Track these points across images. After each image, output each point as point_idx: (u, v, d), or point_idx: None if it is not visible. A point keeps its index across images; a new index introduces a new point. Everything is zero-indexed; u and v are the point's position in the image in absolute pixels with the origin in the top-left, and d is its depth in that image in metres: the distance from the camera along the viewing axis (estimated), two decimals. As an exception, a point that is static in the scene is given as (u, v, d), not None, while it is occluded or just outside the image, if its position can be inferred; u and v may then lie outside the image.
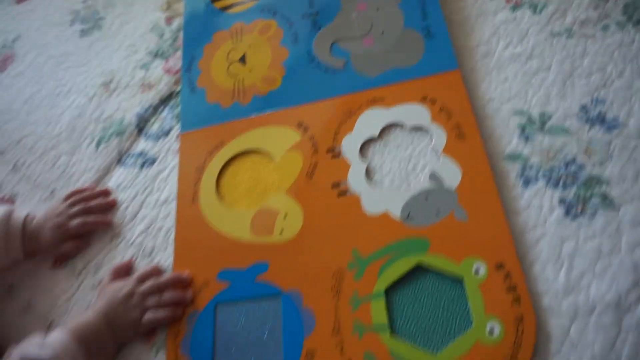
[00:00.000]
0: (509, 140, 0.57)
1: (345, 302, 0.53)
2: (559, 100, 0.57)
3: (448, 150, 0.58)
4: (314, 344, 0.52)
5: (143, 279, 0.60)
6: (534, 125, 0.57)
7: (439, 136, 0.60)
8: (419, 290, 0.52)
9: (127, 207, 0.69)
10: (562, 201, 0.51)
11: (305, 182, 0.62)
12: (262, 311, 0.56)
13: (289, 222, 0.60)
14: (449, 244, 0.52)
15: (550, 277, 0.48)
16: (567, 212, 0.51)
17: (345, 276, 0.54)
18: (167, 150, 0.73)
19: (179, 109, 0.77)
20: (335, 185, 0.61)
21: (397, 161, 0.61)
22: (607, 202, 0.50)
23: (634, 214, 0.49)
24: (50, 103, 0.87)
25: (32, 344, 0.51)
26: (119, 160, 0.75)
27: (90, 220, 0.67)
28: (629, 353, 0.43)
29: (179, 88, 0.80)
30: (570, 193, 0.52)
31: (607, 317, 0.45)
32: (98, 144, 0.78)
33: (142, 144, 0.76)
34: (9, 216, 0.65)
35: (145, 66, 0.85)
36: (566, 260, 0.48)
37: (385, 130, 0.63)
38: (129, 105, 0.81)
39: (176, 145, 0.72)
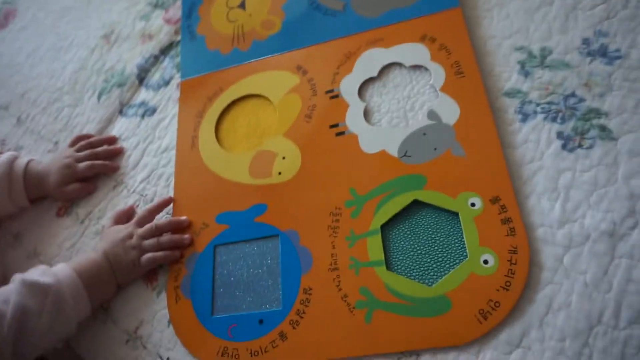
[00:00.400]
0: (509, 77, 0.56)
1: (342, 239, 0.53)
2: (560, 35, 0.56)
3: (447, 88, 0.58)
4: (311, 280, 0.53)
5: (142, 222, 0.61)
6: (535, 60, 0.56)
7: (438, 74, 0.59)
8: (415, 226, 0.53)
9: (129, 156, 0.70)
10: (559, 134, 0.51)
11: (304, 124, 0.62)
12: (261, 251, 0.57)
13: (287, 163, 0.61)
14: (446, 180, 0.52)
15: (546, 208, 0.48)
16: (564, 145, 0.50)
17: (342, 214, 0.55)
18: (167, 99, 0.74)
19: (179, 58, 0.77)
20: (334, 125, 0.61)
21: (396, 100, 0.60)
22: (605, 133, 0.49)
23: (632, 144, 0.48)
24: (53, 57, 0.88)
25: (36, 270, 0.53)
26: (121, 110, 0.76)
27: (98, 164, 0.68)
28: (621, 279, 0.43)
29: (179, 38, 0.79)
30: (569, 126, 0.51)
31: (601, 246, 0.45)
32: (100, 96, 0.79)
33: (143, 94, 0.76)
34: (12, 161, 0.66)
35: (145, 17, 0.84)
36: (562, 192, 0.48)
37: (384, 70, 0.63)
38: (129, 56, 0.81)
39: (177, 94, 0.73)
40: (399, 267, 0.51)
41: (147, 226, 0.61)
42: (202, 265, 0.58)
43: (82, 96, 0.80)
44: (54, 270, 0.54)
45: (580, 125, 0.51)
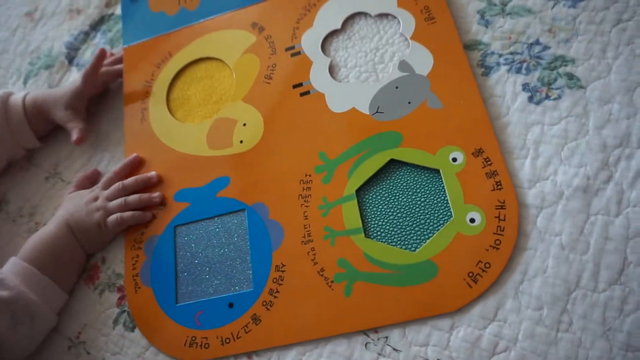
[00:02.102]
0: (469, 28, 0.52)
1: (315, 208, 0.49)
2: (520, -22, 0.52)
3: (417, 35, 0.53)
4: (284, 256, 0.49)
5: (108, 184, 0.57)
6: (495, 8, 0.52)
7: (407, 22, 0.55)
8: (394, 187, 0.49)
9: (61, 142, 0.64)
10: (525, 86, 0.48)
11: (264, 86, 0.57)
12: (226, 228, 0.53)
13: (249, 130, 0.56)
14: (423, 135, 0.49)
15: (516, 167, 0.44)
16: (531, 97, 0.47)
17: (313, 181, 0.51)
18: (103, 78, 0.66)
19: (112, 33, 0.70)
20: (297, 85, 0.56)
21: (363, 53, 0.56)
22: (573, 81, 0.46)
23: (602, 92, 0.45)
24: (-30, 40, 0.79)
25: None
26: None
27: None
28: (598, 238, 0.40)
29: (110, 11, 0.72)
30: (534, 77, 0.48)
31: (575, 203, 0.42)
32: (26, 80, 0.72)
33: (74, 75, 0.70)
34: (5, 99, 0.61)
35: (72, -10, 0.76)
36: (531, 148, 0.45)
37: (348, 21, 0.58)
38: (56, 34, 0.74)
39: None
40: (379, 233, 0.47)
41: (113, 186, 0.56)
42: (162, 249, 0.54)
43: (5, 82, 0.73)
44: (4, 273, 0.49)
45: (547, 75, 0.47)
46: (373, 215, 0.48)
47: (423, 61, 0.52)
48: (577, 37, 0.48)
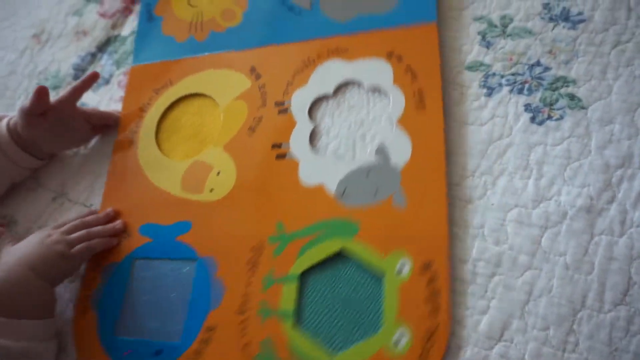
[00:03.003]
0: (470, 49, 0.53)
1: (259, 279, 0.49)
2: (519, 1, 0.53)
3: (404, 121, 0.51)
4: (217, 319, 0.48)
5: (61, 225, 0.56)
6: (496, 30, 0.52)
7: (397, 102, 0.52)
8: (336, 280, 0.47)
9: (69, 164, 0.64)
10: (527, 107, 0.48)
11: (246, 137, 0.57)
12: (176, 275, 0.53)
13: (221, 180, 0.55)
14: (379, 232, 0.47)
15: (519, 187, 0.45)
16: (533, 118, 0.48)
17: (264, 251, 0.50)
18: (109, 99, 0.68)
19: (118, 54, 0.71)
20: (276, 145, 0.55)
21: (347, 125, 0.54)
22: (574, 102, 0.47)
23: (602, 112, 0.46)
24: (-21, 62, 0.80)
25: None
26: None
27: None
28: (602, 258, 0.41)
29: (117, 32, 0.73)
30: (536, 97, 0.48)
31: (579, 223, 0.42)
32: (34, 100, 0.71)
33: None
34: None
35: (78, 12, 0.78)
36: (535, 168, 0.45)
37: (341, 87, 0.56)
38: (63, 56, 0.75)
39: (119, 93, 0.67)
40: (309, 323, 0.46)
41: (71, 223, 0.55)
42: (117, 277, 0.54)
43: (13, 102, 0.73)
44: None
45: (549, 96, 0.48)
46: (309, 303, 0.47)
47: (401, 151, 0.50)
48: (577, 58, 0.49)
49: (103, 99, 0.68)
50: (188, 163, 0.58)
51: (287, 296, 0.47)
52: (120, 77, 0.69)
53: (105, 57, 0.72)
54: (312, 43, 0.59)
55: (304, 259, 0.48)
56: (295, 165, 0.53)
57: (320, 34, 0.59)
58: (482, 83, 0.51)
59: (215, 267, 0.51)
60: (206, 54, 0.65)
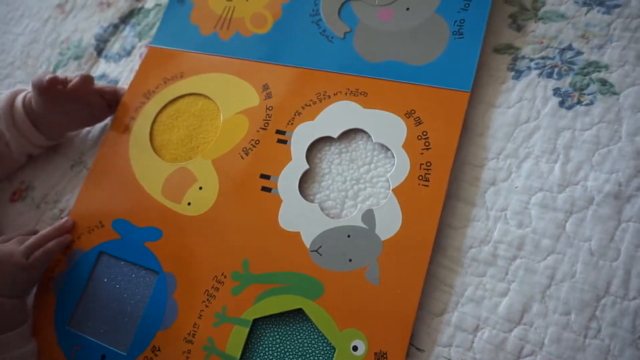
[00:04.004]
0: (500, 32, 0.51)
1: (211, 313, 0.47)
2: (553, -17, 0.51)
3: (402, 191, 0.47)
4: (164, 340, 0.48)
5: (22, 240, 0.54)
6: (527, 13, 0.51)
7: (400, 169, 0.48)
8: (288, 338, 0.46)
9: (88, 132, 0.63)
10: (556, 91, 0.47)
11: (238, 157, 0.54)
12: (136, 283, 0.52)
13: (201, 196, 0.53)
14: (342, 303, 0.44)
15: (545, 171, 0.44)
16: (562, 102, 0.46)
17: (224, 285, 0.48)
18: (130, 71, 0.68)
19: (140, 26, 0.70)
20: (265, 176, 0.52)
21: (342, 178, 0.51)
22: (606, 87, 0.45)
23: (635, 99, 0.44)
24: (2, 29, 0.80)
25: None
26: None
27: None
28: (629, 245, 0.39)
29: (140, 4, 0.72)
30: (566, 82, 0.47)
31: (605, 209, 0.41)
32: (55, 70, 0.72)
33: (102, 66, 0.70)
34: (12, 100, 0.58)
35: (102, -17, 0.77)
36: (562, 153, 0.44)
37: (348, 133, 0.52)
38: (86, 26, 0.75)
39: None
40: None
41: (24, 235, 0.54)
42: (81, 266, 0.54)
43: (35, 71, 0.73)
44: None
45: (579, 81, 0.46)
46: (255, 353, 0.46)
47: (389, 222, 0.46)
48: (611, 44, 0.47)
49: (124, 70, 0.68)
50: (174, 167, 0.56)
51: (235, 340, 0.46)
52: (142, 49, 0.69)
53: (127, 28, 0.72)
54: (333, 76, 0.55)
55: (261, 305, 0.46)
56: (278, 203, 0.50)
57: (344, 68, 0.55)
58: (511, 66, 0.50)
59: (175, 286, 0.50)
60: (225, 55, 0.61)
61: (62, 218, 0.57)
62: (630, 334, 0.37)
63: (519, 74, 0.49)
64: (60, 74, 0.68)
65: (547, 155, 0.45)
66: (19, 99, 0.58)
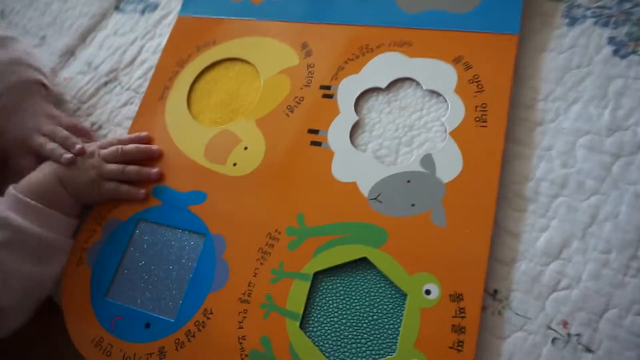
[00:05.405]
0: (555, -20, 0.51)
1: (267, 270, 0.49)
2: None
3: (459, 133, 0.50)
4: (217, 303, 0.49)
5: (106, 145, 0.59)
6: (585, -38, 0.51)
7: (455, 112, 0.51)
8: (354, 289, 0.46)
9: (124, 51, 0.64)
10: (611, 40, 0.50)
11: (282, 116, 0.57)
12: (181, 246, 0.53)
13: (247, 156, 0.56)
14: (410, 248, 0.46)
15: (594, 115, 0.46)
16: (616, 51, 0.49)
17: (279, 241, 0.50)
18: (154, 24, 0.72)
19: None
20: (313, 131, 0.55)
21: (394, 126, 0.54)
22: (664, 37, 0.45)
23: (694, 49, 0.44)
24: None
25: None
26: (117, 6, 0.69)
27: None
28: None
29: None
30: (622, 32, 0.50)
31: (655, 154, 0.41)
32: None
33: (117, 16, 0.71)
34: None
35: None
36: (612, 99, 0.46)
37: (396, 83, 0.56)
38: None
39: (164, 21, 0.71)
40: (315, 329, 0.46)
41: (112, 148, 0.58)
42: (118, 236, 0.56)
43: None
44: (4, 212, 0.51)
45: (636, 31, 0.48)
46: (319, 307, 0.46)
47: (450, 165, 0.48)
48: (670, -4, 0.47)
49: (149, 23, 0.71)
50: (215, 131, 0.59)
51: (296, 295, 0.46)
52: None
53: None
54: (373, 29, 0.59)
55: (320, 258, 0.47)
56: (330, 155, 0.53)
57: (384, 21, 0.58)
58: (565, 13, 0.51)
59: (224, 247, 0.51)
60: (259, 19, 0.64)
61: None
62: (671, 273, 0.37)
63: (573, 21, 0.53)
64: None
65: (596, 100, 0.47)
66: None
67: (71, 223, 0.55)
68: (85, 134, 0.60)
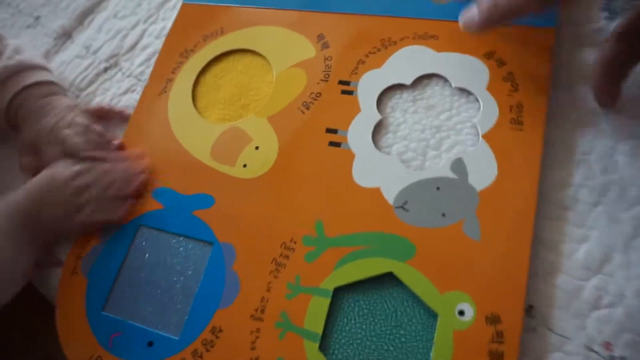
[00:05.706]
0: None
1: (283, 284, 0.45)
2: None
3: (493, 136, 0.46)
4: (226, 320, 0.45)
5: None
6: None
7: (488, 112, 0.47)
8: (378, 307, 0.43)
9: (125, 35, 0.60)
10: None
11: (297, 113, 0.53)
12: (186, 255, 0.50)
13: (258, 157, 0.52)
14: (440, 263, 0.42)
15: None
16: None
17: (295, 251, 0.46)
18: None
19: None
20: (331, 130, 0.50)
21: (421, 127, 0.49)
22: None
23: None
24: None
25: None
26: (117, -13, 0.65)
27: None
28: None
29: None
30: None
31: None
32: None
33: None
34: None
35: None
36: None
37: (422, 80, 0.51)
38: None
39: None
40: (336, 351, 0.42)
41: (92, 174, 0.52)
42: (117, 242, 0.52)
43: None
44: None
45: None
46: (340, 326, 0.43)
47: (484, 171, 0.44)
48: None
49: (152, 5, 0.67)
50: (223, 128, 0.55)
51: (315, 313, 0.43)
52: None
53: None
54: (397, 21, 0.55)
55: (342, 271, 0.43)
56: (350, 158, 0.49)
57: (408, 12, 0.55)
58: (604, 6, 0.51)
59: (233, 257, 0.47)
60: (271, 7, 0.60)
61: None
62: None
63: (613, 15, 0.49)
64: None
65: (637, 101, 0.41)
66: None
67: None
68: (118, 114, 0.57)
